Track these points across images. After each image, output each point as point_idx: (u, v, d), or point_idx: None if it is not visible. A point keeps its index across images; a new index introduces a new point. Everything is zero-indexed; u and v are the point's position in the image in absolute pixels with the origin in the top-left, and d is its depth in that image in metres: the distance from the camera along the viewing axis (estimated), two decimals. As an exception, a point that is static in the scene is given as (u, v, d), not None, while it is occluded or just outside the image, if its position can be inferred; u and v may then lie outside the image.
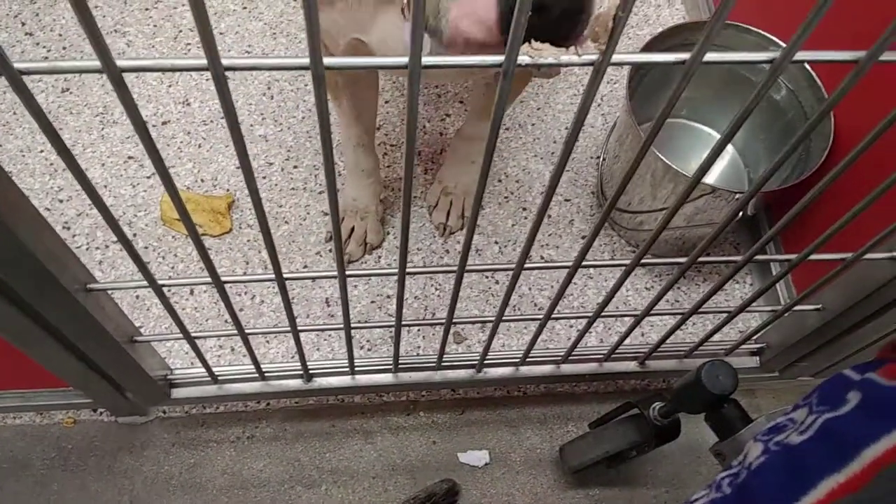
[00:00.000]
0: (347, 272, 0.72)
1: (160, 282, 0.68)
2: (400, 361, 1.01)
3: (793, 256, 0.75)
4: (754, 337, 1.01)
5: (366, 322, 1.17)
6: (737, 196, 1.07)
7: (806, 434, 0.44)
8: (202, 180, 1.33)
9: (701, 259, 0.76)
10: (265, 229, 0.58)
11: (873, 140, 0.52)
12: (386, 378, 1.03)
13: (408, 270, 0.74)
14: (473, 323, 1.22)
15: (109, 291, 0.76)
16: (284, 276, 0.70)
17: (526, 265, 0.75)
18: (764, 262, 1.28)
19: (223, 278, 0.70)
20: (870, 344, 0.96)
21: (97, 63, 0.38)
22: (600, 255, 1.32)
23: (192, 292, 1.21)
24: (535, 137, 1.44)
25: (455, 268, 0.75)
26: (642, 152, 0.54)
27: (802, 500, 0.44)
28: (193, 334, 0.83)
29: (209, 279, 0.68)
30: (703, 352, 1.05)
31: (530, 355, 1.03)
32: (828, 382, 0.48)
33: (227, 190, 1.31)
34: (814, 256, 0.75)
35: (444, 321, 0.86)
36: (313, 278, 0.76)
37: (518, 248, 1.30)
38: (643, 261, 0.77)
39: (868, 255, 0.77)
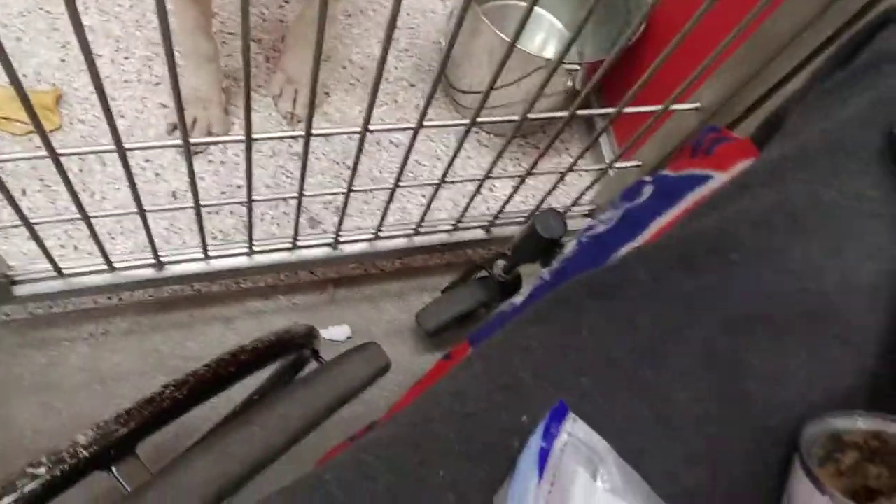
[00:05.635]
0: (192, 141, 0.72)
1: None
2: (255, 245, 1.02)
3: (611, 110, 0.83)
4: (586, 198, 1.09)
5: (216, 207, 1.15)
6: (568, 68, 1.14)
7: (610, 224, 0.51)
8: (24, 76, 1.23)
9: (532, 117, 0.82)
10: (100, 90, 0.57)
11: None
12: (241, 261, 1.04)
13: (254, 137, 0.75)
14: (322, 195, 1.23)
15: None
16: (126, 146, 0.70)
17: (371, 128, 0.78)
18: (591, 124, 1.39)
19: (59, 151, 0.69)
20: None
21: None
22: (450, 140, 1.36)
23: (24, 193, 1.14)
24: (377, 23, 1.44)
25: (301, 133, 0.77)
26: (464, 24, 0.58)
27: None
28: (32, 221, 0.80)
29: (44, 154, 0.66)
30: (542, 216, 1.14)
31: (383, 229, 1.07)
32: (629, 187, 0.56)
33: (54, 84, 1.23)
34: (628, 110, 0.83)
35: (295, 195, 0.88)
36: (161, 146, 0.75)
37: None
38: (480, 121, 0.82)
39: (674, 107, 0.86)
